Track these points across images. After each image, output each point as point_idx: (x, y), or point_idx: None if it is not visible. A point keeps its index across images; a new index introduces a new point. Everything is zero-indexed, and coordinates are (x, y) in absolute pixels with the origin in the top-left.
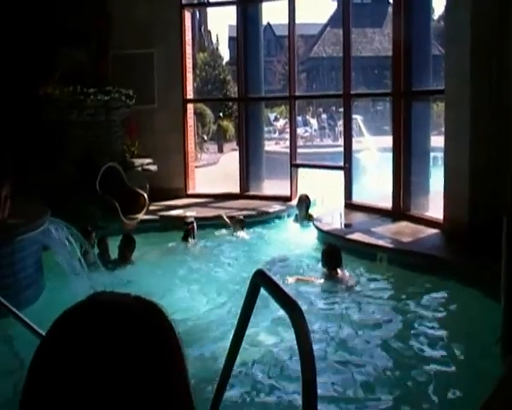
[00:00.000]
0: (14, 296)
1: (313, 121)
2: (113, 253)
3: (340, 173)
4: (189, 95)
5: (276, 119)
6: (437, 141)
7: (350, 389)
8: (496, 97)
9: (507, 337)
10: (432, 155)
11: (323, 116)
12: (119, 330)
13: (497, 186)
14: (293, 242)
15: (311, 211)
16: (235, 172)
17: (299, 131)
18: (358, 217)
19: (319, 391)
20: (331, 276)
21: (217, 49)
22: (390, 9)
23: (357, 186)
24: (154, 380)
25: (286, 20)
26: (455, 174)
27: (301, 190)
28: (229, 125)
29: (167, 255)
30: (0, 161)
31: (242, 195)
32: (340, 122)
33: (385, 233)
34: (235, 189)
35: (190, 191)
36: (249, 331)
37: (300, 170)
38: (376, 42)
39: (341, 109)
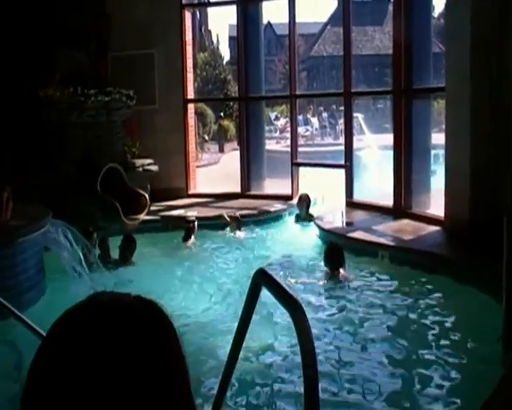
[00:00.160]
0: (16, 298)
1: (314, 120)
2: (114, 253)
3: (341, 172)
4: (190, 95)
5: (277, 118)
6: (438, 138)
7: (350, 387)
8: (496, 95)
9: (508, 335)
10: (433, 152)
11: (324, 115)
12: (120, 330)
13: (497, 184)
14: (295, 241)
15: (311, 210)
16: (236, 171)
17: (300, 129)
18: (360, 215)
19: (321, 390)
20: (333, 275)
21: (217, 48)
22: (390, 7)
23: (359, 184)
24: (154, 379)
25: (286, 19)
26: (455, 172)
27: (302, 189)
28: (229, 125)
29: (168, 255)
30: (1, 162)
31: (243, 194)
32: (341, 121)
33: (386, 231)
34: (237, 188)
35: (191, 191)
36: (250, 330)
37: (301, 169)
38: (377, 40)
39: (342, 108)
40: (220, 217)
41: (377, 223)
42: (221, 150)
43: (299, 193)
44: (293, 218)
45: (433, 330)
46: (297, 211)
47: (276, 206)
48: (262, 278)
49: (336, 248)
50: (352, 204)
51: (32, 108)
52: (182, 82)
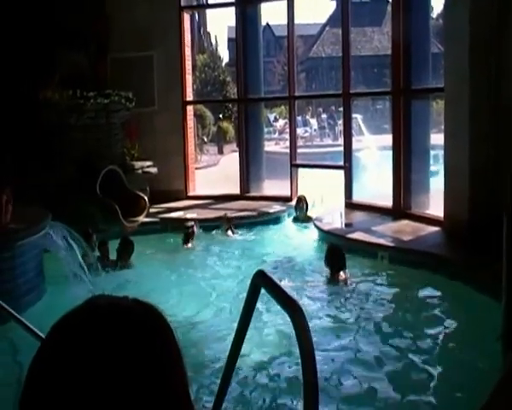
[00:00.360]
0: (15, 301)
1: (313, 121)
2: (113, 256)
3: (341, 173)
4: (189, 97)
5: (276, 119)
6: (437, 139)
7: (350, 389)
8: (494, 95)
9: (508, 335)
10: (433, 152)
11: (323, 116)
12: (117, 334)
13: (496, 184)
14: (294, 242)
15: (309, 212)
16: (236, 173)
17: (299, 131)
18: (359, 216)
19: (320, 393)
20: (333, 278)
21: (216, 50)
22: (389, 8)
23: (358, 185)
24: (152, 382)
25: (285, 21)
26: (455, 172)
27: (301, 190)
28: (229, 127)
29: (167, 258)
30: (0, 164)
31: (243, 196)
32: (340, 121)
33: (385, 232)
34: (236, 190)
35: (191, 193)
36: (250, 332)
37: (300, 170)
38: (375, 41)
39: (341, 109)
40: (222, 218)
41: (376, 224)
42: (220, 152)
43: (297, 195)
44: (290, 219)
45: (433, 331)
46: (294, 213)
47: (276, 207)
48: (261, 280)
49: (337, 250)
50: (351, 205)
51: (31, 111)
52: (181, 84)
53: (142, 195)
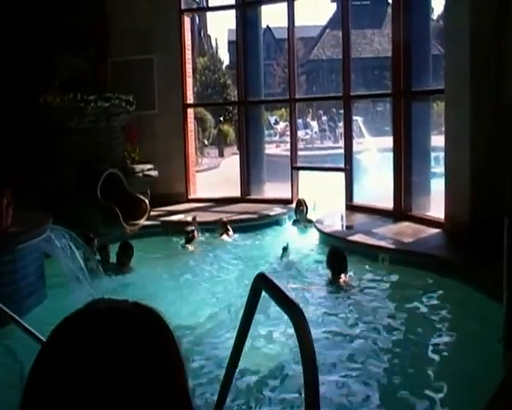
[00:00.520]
0: (16, 304)
1: (313, 123)
2: (114, 260)
3: (341, 175)
4: (190, 99)
5: (277, 122)
6: (438, 141)
7: (351, 389)
8: (495, 97)
9: (509, 337)
10: (433, 154)
11: (324, 118)
12: (118, 336)
13: (496, 185)
14: (295, 244)
15: (309, 215)
16: (236, 176)
17: (300, 133)
18: (360, 218)
19: (321, 394)
20: (335, 280)
21: (216, 53)
22: (389, 10)
23: (358, 187)
24: (152, 385)
25: (285, 23)
26: (455, 174)
27: (302, 193)
28: (229, 130)
29: (168, 261)
30: (1, 165)
31: (243, 198)
32: (341, 124)
33: (386, 234)
34: (237, 193)
35: (191, 196)
36: (251, 334)
37: (301, 172)
38: (376, 43)
39: (342, 111)
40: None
41: (377, 226)
42: (221, 155)
43: (297, 198)
44: (290, 223)
45: (434, 332)
46: (294, 216)
47: (276, 210)
48: (262, 283)
49: (338, 252)
50: (351, 207)
51: (31, 113)
52: (181, 87)
53: (143, 198)
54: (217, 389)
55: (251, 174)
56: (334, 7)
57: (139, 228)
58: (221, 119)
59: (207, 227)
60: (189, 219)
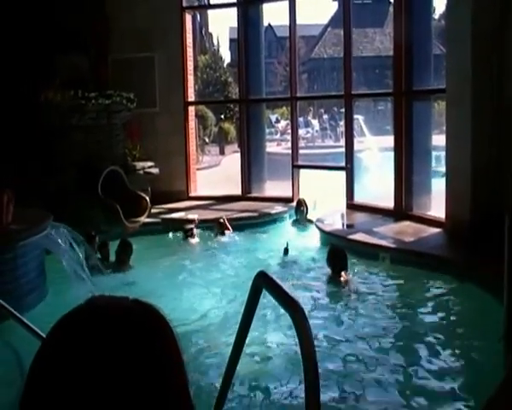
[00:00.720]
0: (17, 301)
1: (315, 122)
2: (114, 258)
3: (342, 174)
4: (191, 97)
5: (278, 120)
6: (439, 140)
7: (351, 390)
8: (497, 96)
9: (509, 336)
10: (434, 154)
11: (325, 117)
12: (118, 333)
13: (498, 185)
14: (296, 243)
15: (309, 215)
16: (237, 174)
17: (301, 132)
18: (360, 217)
19: (322, 393)
20: (335, 278)
21: (218, 51)
22: (391, 9)
23: (359, 186)
24: (152, 383)
25: (287, 22)
26: (456, 173)
27: (303, 192)
28: (230, 128)
29: (168, 259)
30: (1, 165)
31: (244, 196)
32: (342, 122)
33: (387, 233)
34: (237, 191)
35: (192, 194)
36: (251, 333)
37: (302, 171)
38: (377, 42)
39: (343, 110)
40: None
41: (378, 225)
42: (222, 153)
43: (298, 198)
44: (293, 219)
45: (435, 332)
46: (294, 216)
47: (277, 208)
48: (263, 281)
49: (338, 251)
50: (352, 206)
51: (33, 113)
52: (182, 84)
53: (144, 195)
54: (217, 386)
55: (252, 172)
56: (335, 5)
57: (140, 225)
58: (222, 117)
59: (208, 225)
60: (190, 217)
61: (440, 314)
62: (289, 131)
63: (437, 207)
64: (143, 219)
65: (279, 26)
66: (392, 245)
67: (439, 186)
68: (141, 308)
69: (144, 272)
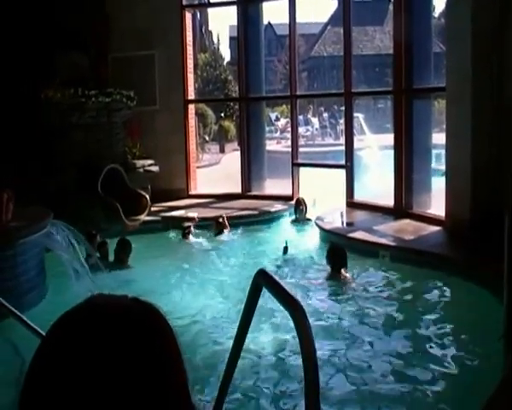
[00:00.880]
0: (17, 299)
1: (314, 120)
2: (112, 256)
3: (342, 172)
4: (191, 95)
5: (278, 118)
6: (439, 138)
7: (352, 388)
8: (497, 94)
9: (509, 335)
10: (434, 152)
11: (325, 115)
12: (117, 332)
13: (497, 183)
14: (296, 241)
15: (309, 213)
16: (237, 172)
17: (301, 130)
18: (360, 215)
19: (322, 392)
20: (335, 276)
21: (218, 49)
22: (391, 7)
23: (359, 184)
24: (151, 381)
25: (287, 20)
26: (456, 171)
27: (303, 190)
28: (230, 126)
29: (168, 257)
30: (1, 165)
31: (244, 195)
32: (342, 121)
33: (387, 231)
34: (237, 189)
35: (192, 192)
36: (251, 331)
37: (301, 169)
38: (377, 40)
39: (343, 108)
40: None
41: (378, 223)
42: (222, 151)
43: (297, 197)
44: (292, 218)
45: (435, 331)
46: (293, 215)
47: (277, 206)
48: (262, 279)
49: (337, 249)
50: (352, 204)
51: (33, 111)
52: (182, 83)
53: (144, 193)
54: (217, 384)
55: (252, 170)
56: (335, 4)
57: (140, 223)
58: (222, 115)
59: (207, 223)
60: (190, 215)
61: (440, 312)
62: (289, 129)
63: (437, 205)
64: (143, 217)
65: (279, 25)
66: (392, 243)
67: (438, 184)
68: (140, 307)
69: (143, 271)
